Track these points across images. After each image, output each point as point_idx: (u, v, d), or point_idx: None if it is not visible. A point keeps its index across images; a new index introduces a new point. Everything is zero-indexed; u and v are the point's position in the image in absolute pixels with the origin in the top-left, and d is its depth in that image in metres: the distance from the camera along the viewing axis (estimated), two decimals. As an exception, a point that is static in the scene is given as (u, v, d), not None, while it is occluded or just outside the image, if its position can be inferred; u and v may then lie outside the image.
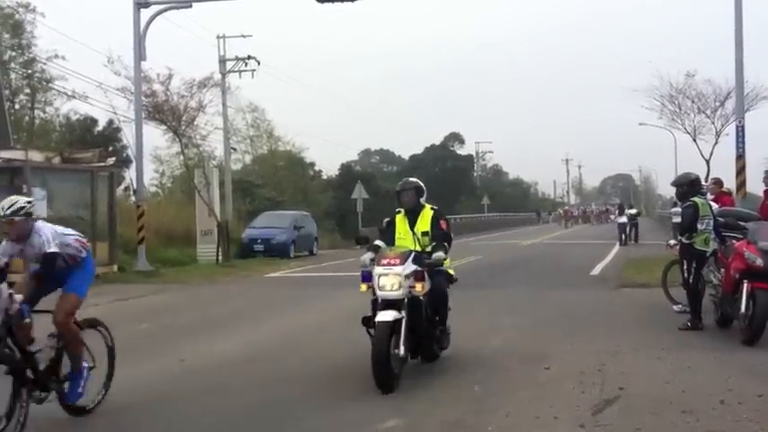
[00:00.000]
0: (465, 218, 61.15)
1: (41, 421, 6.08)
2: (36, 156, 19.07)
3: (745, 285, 8.84)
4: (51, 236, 6.13)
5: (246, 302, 14.72)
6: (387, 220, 8.28)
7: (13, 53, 34.38)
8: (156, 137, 33.15)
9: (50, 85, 34.79)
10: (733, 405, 6.23)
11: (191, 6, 22.56)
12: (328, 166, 57.19)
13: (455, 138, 79.93)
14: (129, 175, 29.72)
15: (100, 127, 37.19)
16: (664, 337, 9.45)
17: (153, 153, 44.05)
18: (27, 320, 5.99)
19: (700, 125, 25.83)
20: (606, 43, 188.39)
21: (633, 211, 36.11)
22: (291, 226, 29.86)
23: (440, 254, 7.60)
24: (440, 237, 7.85)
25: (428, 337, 7.63)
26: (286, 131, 59.09)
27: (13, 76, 34.15)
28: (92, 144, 29.21)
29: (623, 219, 33.93)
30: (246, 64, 36.39)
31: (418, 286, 7.25)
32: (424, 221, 7.93)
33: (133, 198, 24.74)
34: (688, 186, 10.28)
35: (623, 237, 32.90)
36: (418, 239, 7.83)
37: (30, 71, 34.73)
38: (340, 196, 45.33)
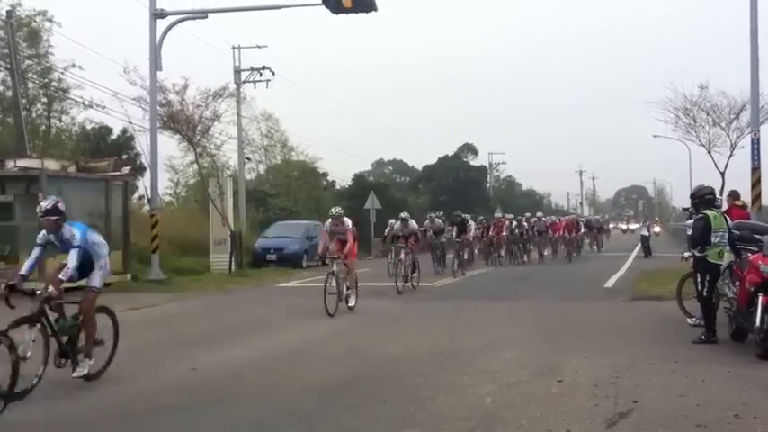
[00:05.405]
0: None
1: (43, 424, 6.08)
2: (52, 164, 19.25)
3: (761, 299, 8.80)
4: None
5: (259, 312, 14.73)
6: None
7: (31, 62, 34.65)
8: (170, 146, 33.40)
9: (67, 94, 35.07)
10: (748, 419, 6.18)
11: (206, 17, 22.71)
12: (341, 177, 57.29)
13: (468, 149, 79.80)
14: (144, 183, 29.86)
15: (114, 135, 37.45)
16: (678, 351, 9.39)
17: (167, 162, 44.42)
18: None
19: (714, 137, 25.57)
20: (620, 55, 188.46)
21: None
22: (304, 236, 29.94)
23: None
24: None
25: None
26: (300, 141, 59.45)
27: (30, 85, 34.43)
28: (106, 153, 29.40)
29: (646, 231, 34.81)
30: (261, 74, 36.59)
31: None
32: None
33: (147, 207, 24.85)
34: (700, 199, 10.28)
35: (647, 248, 33.39)
36: None
37: (46, 80, 35.01)
38: (353, 206, 45.28)
